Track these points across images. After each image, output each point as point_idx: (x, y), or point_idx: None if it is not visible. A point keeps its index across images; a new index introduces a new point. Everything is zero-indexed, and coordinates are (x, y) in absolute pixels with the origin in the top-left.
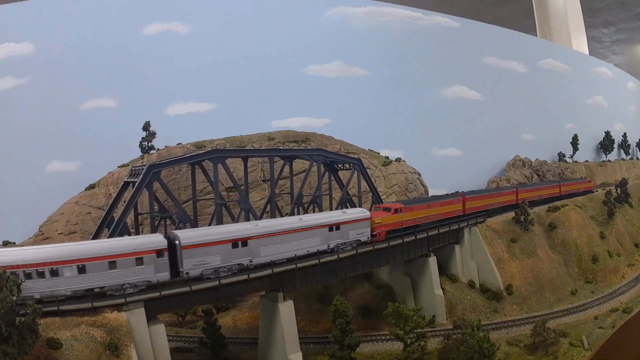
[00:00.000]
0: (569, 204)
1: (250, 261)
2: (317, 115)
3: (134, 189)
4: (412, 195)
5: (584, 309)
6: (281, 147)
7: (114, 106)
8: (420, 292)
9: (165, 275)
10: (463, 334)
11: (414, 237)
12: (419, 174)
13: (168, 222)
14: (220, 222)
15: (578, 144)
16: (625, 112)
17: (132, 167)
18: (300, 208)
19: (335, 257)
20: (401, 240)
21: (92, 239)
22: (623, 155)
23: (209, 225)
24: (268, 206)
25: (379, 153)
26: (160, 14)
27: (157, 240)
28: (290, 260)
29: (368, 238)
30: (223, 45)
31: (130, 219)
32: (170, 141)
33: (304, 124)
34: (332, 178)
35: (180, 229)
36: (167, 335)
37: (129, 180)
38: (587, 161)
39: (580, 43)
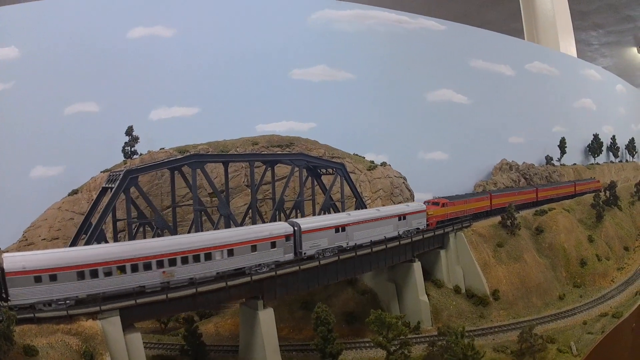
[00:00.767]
0: (556, 207)
1: (347, 243)
2: (302, 120)
3: (111, 194)
4: (397, 200)
5: (573, 314)
6: (265, 152)
7: (98, 111)
8: (405, 298)
9: (290, 256)
10: (447, 342)
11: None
12: (405, 179)
13: (147, 228)
14: (199, 229)
15: (566, 147)
16: (614, 115)
17: (110, 173)
18: (282, 214)
19: (316, 263)
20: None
21: (70, 245)
22: (612, 158)
23: (189, 231)
24: (250, 212)
25: (364, 157)
26: (144, 18)
27: (286, 226)
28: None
29: (424, 226)
30: (207, 50)
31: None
32: (154, 146)
33: (288, 129)
34: (316, 183)
35: (158, 235)
36: (149, 343)
37: (107, 185)
38: (575, 164)
39: (569, 46)
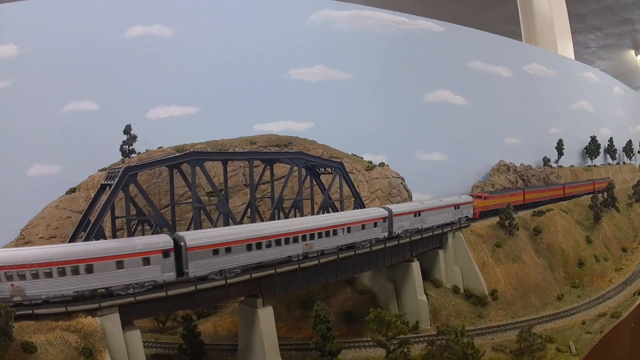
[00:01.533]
0: (554, 208)
1: (422, 226)
2: (300, 120)
3: (110, 191)
4: (395, 200)
5: (571, 314)
6: (254, 150)
7: (96, 109)
8: (403, 298)
9: (386, 234)
10: (447, 340)
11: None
12: (403, 179)
13: (146, 226)
14: (198, 227)
15: (563, 148)
16: (611, 117)
17: (109, 170)
18: (281, 213)
19: (316, 262)
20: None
21: (69, 242)
22: (609, 160)
23: (187, 229)
24: (249, 211)
25: (362, 158)
26: (143, 17)
27: (383, 211)
28: (270, 266)
29: (471, 215)
30: (206, 49)
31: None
32: (152, 145)
33: (286, 128)
34: (314, 182)
35: (157, 233)
36: (147, 342)
37: (106, 182)
38: (572, 166)
39: (566, 48)
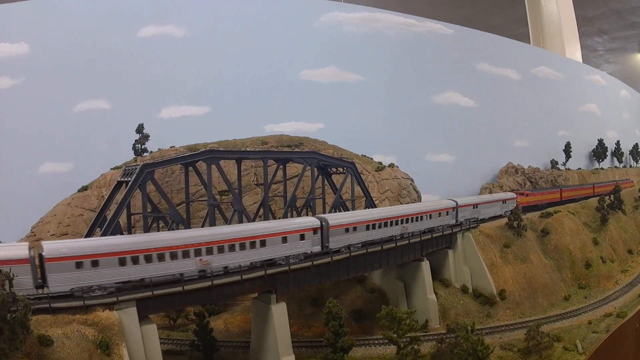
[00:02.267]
0: (562, 210)
1: (478, 217)
2: (311, 120)
3: (127, 188)
4: (405, 201)
5: (578, 314)
6: (268, 150)
7: (108, 108)
8: (413, 297)
9: (454, 221)
10: (457, 337)
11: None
12: (412, 180)
13: (161, 223)
14: (213, 223)
15: (571, 151)
16: (618, 120)
17: (126, 167)
18: (294, 211)
19: (328, 259)
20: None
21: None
22: (616, 163)
23: (202, 226)
24: (261, 209)
25: (372, 158)
26: (155, 17)
27: (452, 202)
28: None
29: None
30: (217, 49)
31: (123, 219)
32: (164, 144)
33: (297, 129)
34: (326, 182)
35: (172, 229)
36: (159, 338)
37: (122, 180)
38: (579, 168)
39: (574, 51)
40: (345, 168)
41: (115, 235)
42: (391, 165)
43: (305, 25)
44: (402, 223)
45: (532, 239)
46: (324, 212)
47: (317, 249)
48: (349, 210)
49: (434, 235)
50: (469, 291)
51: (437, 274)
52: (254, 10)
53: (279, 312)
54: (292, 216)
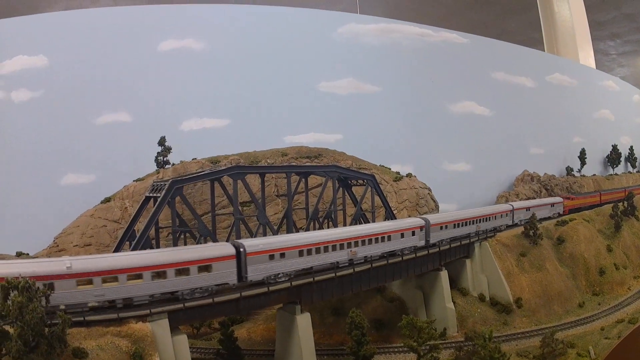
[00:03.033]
0: (577, 217)
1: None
2: (330, 131)
3: (157, 203)
4: (422, 210)
5: (591, 321)
6: (294, 163)
7: (129, 121)
8: (431, 306)
9: (510, 222)
10: (474, 345)
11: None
12: (430, 189)
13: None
14: (238, 236)
15: (585, 157)
16: (631, 125)
17: (153, 182)
18: (316, 223)
19: (351, 270)
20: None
21: (114, 251)
22: (630, 169)
23: (227, 239)
24: (284, 220)
25: (390, 168)
26: (175, 31)
27: (509, 206)
28: (309, 273)
29: (562, 212)
30: (236, 62)
31: (151, 233)
32: (185, 156)
33: (316, 140)
34: (346, 194)
35: (201, 243)
36: None
37: (151, 195)
38: (594, 175)
39: (587, 56)
40: (365, 180)
41: (145, 249)
42: (409, 175)
43: (323, 37)
44: (475, 223)
45: (548, 247)
46: (344, 224)
47: (422, 242)
48: (369, 221)
49: (452, 245)
50: (486, 299)
51: (455, 283)
52: (273, 23)
53: (304, 322)
54: (314, 228)
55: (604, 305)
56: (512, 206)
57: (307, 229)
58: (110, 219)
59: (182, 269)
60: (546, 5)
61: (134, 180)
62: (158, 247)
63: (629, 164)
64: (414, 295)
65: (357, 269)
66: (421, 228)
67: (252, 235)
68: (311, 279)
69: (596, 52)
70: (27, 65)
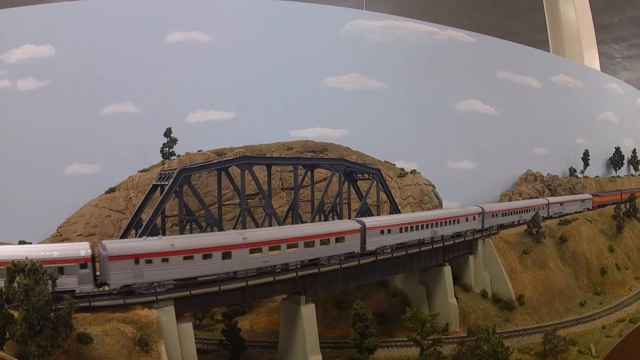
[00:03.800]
0: (579, 217)
1: (562, 212)
2: (335, 126)
3: (165, 192)
4: (426, 207)
5: (592, 319)
6: (298, 156)
7: (135, 112)
8: (434, 301)
9: (545, 215)
10: (477, 339)
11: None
12: (434, 186)
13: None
14: (244, 226)
15: (589, 159)
16: (635, 128)
17: (161, 170)
18: (322, 215)
19: (355, 262)
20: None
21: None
22: (632, 171)
23: (233, 228)
24: (290, 212)
25: (394, 165)
26: (182, 24)
27: (545, 200)
28: (314, 265)
29: (591, 207)
30: (243, 56)
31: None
32: (191, 148)
33: (321, 135)
34: (352, 187)
35: (207, 231)
36: None
37: (158, 183)
38: (597, 176)
39: (592, 58)
40: (371, 174)
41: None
42: (413, 172)
43: (329, 33)
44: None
45: (551, 245)
46: (349, 217)
47: (479, 226)
48: (374, 215)
49: (456, 241)
50: (489, 296)
51: (457, 279)
52: (280, 17)
53: (308, 312)
54: (319, 220)
55: (605, 305)
56: (548, 200)
57: (313, 222)
58: (114, 209)
59: (324, 240)
60: (552, 7)
61: (139, 171)
62: (164, 234)
63: (631, 166)
64: (417, 289)
65: (362, 262)
66: (479, 214)
67: (258, 226)
68: (316, 270)
69: (601, 55)
70: (34, 54)
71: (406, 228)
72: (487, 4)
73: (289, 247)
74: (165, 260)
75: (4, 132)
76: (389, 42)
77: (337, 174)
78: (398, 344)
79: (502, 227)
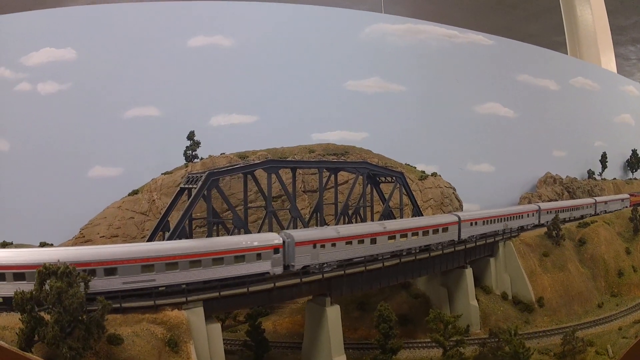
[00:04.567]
0: (598, 220)
1: (607, 209)
2: (356, 129)
3: (193, 195)
4: (447, 209)
5: (610, 321)
6: (322, 159)
7: (158, 115)
8: (456, 303)
9: (592, 212)
10: (499, 341)
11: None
12: (454, 189)
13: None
14: (270, 229)
15: (607, 161)
16: None
17: (188, 174)
18: (346, 218)
19: (380, 265)
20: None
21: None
22: None
23: (259, 231)
24: (314, 215)
25: (415, 167)
26: (204, 28)
27: (592, 200)
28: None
29: (628, 205)
30: (264, 59)
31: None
32: (214, 151)
33: (342, 138)
34: (375, 190)
35: (235, 234)
36: None
37: (186, 186)
38: (614, 179)
39: (609, 60)
40: (394, 177)
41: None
42: (434, 175)
43: (350, 36)
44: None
45: (570, 248)
46: (372, 220)
47: (536, 222)
48: (395, 218)
49: (477, 244)
50: (509, 298)
51: (478, 281)
52: (301, 22)
53: (333, 314)
54: (343, 223)
55: (622, 306)
56: (595, 200)
57: (337, 224)
58: (137, 211)
59: (435, 230)
60: (569, 9)
61: (162, 174)
62: (191, 237)
63: None
64: (439, 292)
65: (386, 264)
66: (537, 211)
67: (284, 228)
68: (342, 272)
69: (617, 57)
70: (55, 57)
71: (487, 221)
72: (505, 6)
73: (412, 235)
74: (333, 245)
75: (25, 135)
76: (410, 46)
77: (361, 177)
78: (420, 345)
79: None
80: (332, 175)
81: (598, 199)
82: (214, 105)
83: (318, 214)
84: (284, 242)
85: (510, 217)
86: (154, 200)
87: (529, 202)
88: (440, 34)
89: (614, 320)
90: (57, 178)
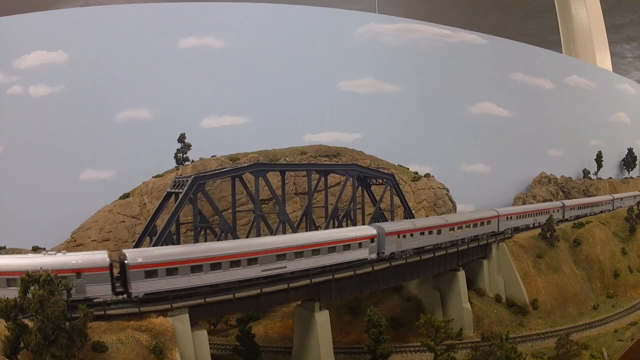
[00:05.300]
0: (593, 220)
1: (621, 205)
2: (348, 130)
3: (179, 199)
4: (440, 211)
5: (605, 323)
6: (313, 161)
7: (149, 117)
8: (448, 306)
9: (611, 208)
10: (491, 345)
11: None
12: (448, 190)
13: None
14: (259, 233)
15: (602, 160)
16: None
17: (175, 178)
18: (336, 221)
19: (369, 269)
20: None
21: (135, 246)
22: None
23: (247, 236)
24: (304, 218)
25: (408, 168)
26: (196, 29)
27: (609, 197)
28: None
29: None
30: (256, 60)
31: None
32: (205, 153)
33: (334, 139)
34: (365, 192)
35: (221, 239)
36: None
37: (172, 190)
38: (610, 178)
39: (604, 59)
40: (384, 179)
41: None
42: (427, 175)
43: (343, 36)
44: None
45: (565, 249)
46: (363, 223)
47: (561, 217)
48: (387, 220)
49: (470, 246)
50: (503, 300)
51: (471, 284)
52: (293, 21)
53: (322, 319)
54: (334, 226)
55: (617, 308)
56: (613, 197)
57: (327, 227)
58: (129, 215)
59: (480, 223)
60: (564, 8)
61: (153, 177)
62: (179, 243)
63: None
64: (431, 295)
65: (375, 268)
66: (560, 208)
67: (273, 232)
68: (330, 277)
69: (612, 55)
70: (46, 60)
71: (519, 216)
72: (500, 6)
73: (466, 227)
74: (412, 235)
75: (17, 138)
76: (402, 46)
77: (351, 179)
78: (412, 349)
79: (577, 217)
80: (323, 178)
81: (615, 195)
82: (206, 107)
83: (307, 217)
84: (377, 233)
85: (539, 213)
86: (145, 203)
87: (524, 203)
88: (434, 34)
89: (610, 323)
90: (49, 181)
